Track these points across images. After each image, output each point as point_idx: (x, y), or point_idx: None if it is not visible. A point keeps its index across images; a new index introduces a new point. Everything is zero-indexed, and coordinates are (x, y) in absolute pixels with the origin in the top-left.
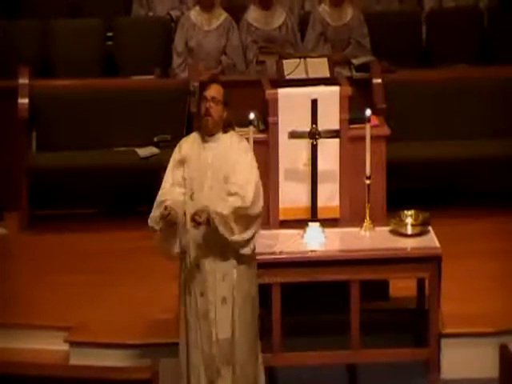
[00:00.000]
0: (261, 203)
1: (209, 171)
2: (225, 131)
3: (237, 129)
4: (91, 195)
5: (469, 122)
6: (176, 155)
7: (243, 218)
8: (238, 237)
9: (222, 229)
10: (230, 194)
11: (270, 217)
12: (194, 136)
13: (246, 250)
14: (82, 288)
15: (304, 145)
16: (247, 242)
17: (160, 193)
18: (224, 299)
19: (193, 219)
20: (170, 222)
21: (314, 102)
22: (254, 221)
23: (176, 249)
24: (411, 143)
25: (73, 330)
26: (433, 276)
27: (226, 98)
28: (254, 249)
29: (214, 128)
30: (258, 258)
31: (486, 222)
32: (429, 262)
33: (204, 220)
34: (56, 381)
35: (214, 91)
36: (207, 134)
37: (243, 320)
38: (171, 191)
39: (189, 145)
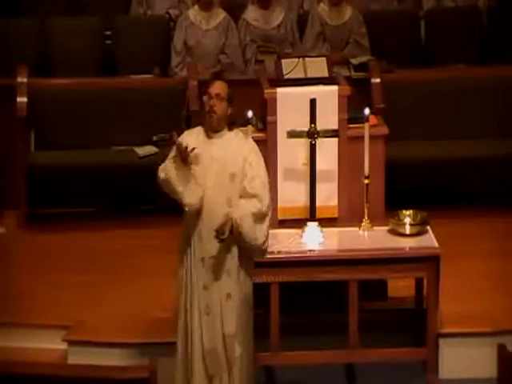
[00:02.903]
0: (271, 203)
1: (214, 167)
2: (230, 129)
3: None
4: (90, 194)
5: (468, 122)
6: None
7: (260, 219)
8: (260, 239)
9: (249, 236)
10: (248, 195)
11: None
12: (199, 130)
13: (266, 245)
14: (80, 287)
15: (302, 144)
16: (266, 240)
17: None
18: (229, 295)
19: (216, 236)
20: (185, 157)
21: (313, 102)
22: (266, 218)
23: (188, 199)
24: (410, 143)
25: (71, 329)
26: (431, 276)
27: (231, 95)
28: None
29: (218, 125)
30: None
31: (485, 222)
32: (427, 261)
33: (228, 233)
34: (54, 380)
35: (218, 88)
36: (212, 131)
37: (245, 316)
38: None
39: (193, 139)
